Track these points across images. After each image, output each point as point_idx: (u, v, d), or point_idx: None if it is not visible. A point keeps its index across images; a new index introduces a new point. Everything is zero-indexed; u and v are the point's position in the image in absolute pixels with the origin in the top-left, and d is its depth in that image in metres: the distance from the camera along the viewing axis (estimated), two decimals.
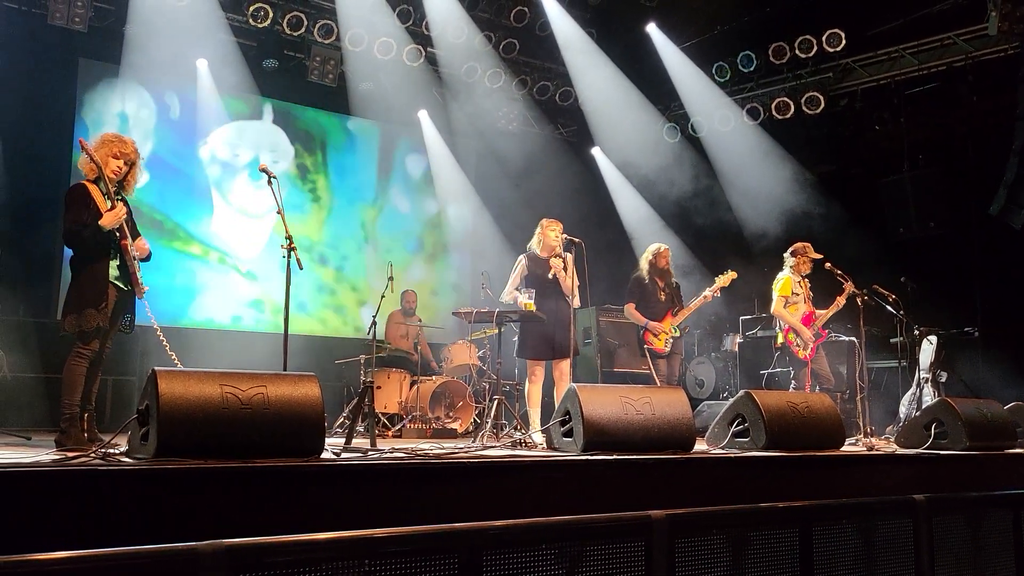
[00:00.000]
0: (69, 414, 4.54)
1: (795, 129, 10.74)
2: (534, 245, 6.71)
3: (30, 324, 8.14)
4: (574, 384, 4.56)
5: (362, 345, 8.60)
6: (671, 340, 7.22)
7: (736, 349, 10.11)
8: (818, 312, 7.43)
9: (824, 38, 10.16)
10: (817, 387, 7.32)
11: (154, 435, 3.25)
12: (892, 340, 8.54)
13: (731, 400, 5.29)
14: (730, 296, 7.75)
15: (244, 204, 10.20)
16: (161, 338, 5.11)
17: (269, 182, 4.99)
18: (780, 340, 7.44)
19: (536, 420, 6.32)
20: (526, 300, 6.29)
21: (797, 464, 4.66)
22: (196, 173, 10.04)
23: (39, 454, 3.83)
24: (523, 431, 5.79)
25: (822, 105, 10.41)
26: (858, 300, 7.14)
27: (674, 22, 10.90)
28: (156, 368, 3.36)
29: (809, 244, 7.59)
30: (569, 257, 6.54)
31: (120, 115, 9.53)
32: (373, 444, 4.96)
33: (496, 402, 6.02)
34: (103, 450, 3.58)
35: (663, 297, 7.30)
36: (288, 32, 9.62)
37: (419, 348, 8.70)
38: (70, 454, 3.76)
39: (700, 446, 4.95)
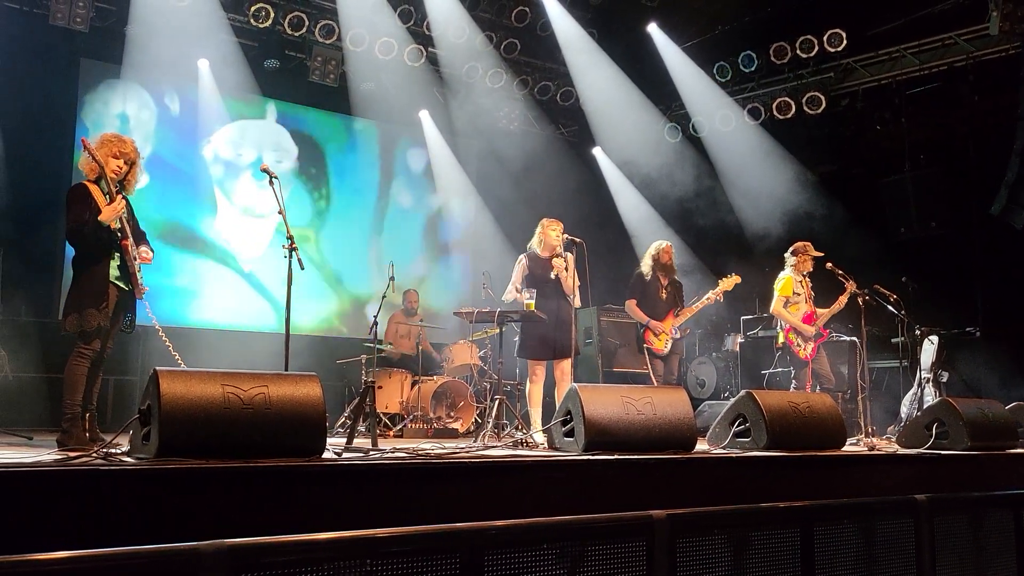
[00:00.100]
0: (71, 414, 4.54)
1: (796, 129, 10.74)
2: (535, 245, 6.71)
3: (32, 324, 8.14)
4: (575, 384, 4.56)
5: (363, 345, 8.60)
6: (671, 341, 7.21)
7: (737, 349, 10.11)
8: (819, 312, 7.43)
9: (825, 38, 10.16)
10: (818, 387, 7.32)
11: (156, 435, 3.26)
12: (893, 340, 8.53)
13: (732, 400, 5.28)
14: (731, 296, 7.74)
15: (247, 204, 10.21)
16: (163, 338, 5.11)
17: (271, 182, 5.00)
18: (781, 340, 7.43)
19: (537, 420, 6.32)
20: (527, 300, 6.29)
21: (798, 464, 4.66)
22: (198, 173, 10.04)
23: (41, 454, 3.84)
24: (524, 431, 5.80)
25: (823, 105, 10.40)
26: (859, 300, 7.14)
27: (675, 22, 10.90)
28: (158, 368, 3.36)
29: (809, 243, 7.58)
30: (570, 257, 6.54)
31: (121, 115, 9.54)
32: (374, 444, 4.96)
33: (497, 402, 6.03)
34: (105, 450, 3.58)
35: (664, 295, 7.29)
36: (289, 32, 9.62)
37: (420, 348, 8.70)
38: (72, 454, 3.76)
39: (701, 446, 4.95)
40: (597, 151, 11.99)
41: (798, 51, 10.36)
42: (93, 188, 4.71)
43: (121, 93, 9.51)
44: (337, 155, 11.02)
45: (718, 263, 10.45)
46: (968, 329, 9.11)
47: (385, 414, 8.09)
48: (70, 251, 4.86)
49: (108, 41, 9.20)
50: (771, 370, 8.70)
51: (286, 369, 4.63)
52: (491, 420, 5.95)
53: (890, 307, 7.65)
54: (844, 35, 10.07)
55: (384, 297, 7.68)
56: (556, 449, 4.64)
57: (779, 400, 5.05)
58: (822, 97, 10.39)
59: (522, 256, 6.73)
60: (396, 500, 3.32)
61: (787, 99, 10.63)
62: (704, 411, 8.33)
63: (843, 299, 7.31)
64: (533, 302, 6.29)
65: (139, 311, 4.99)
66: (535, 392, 6.49)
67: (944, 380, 8.47)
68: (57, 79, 9.11)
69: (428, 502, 3.36)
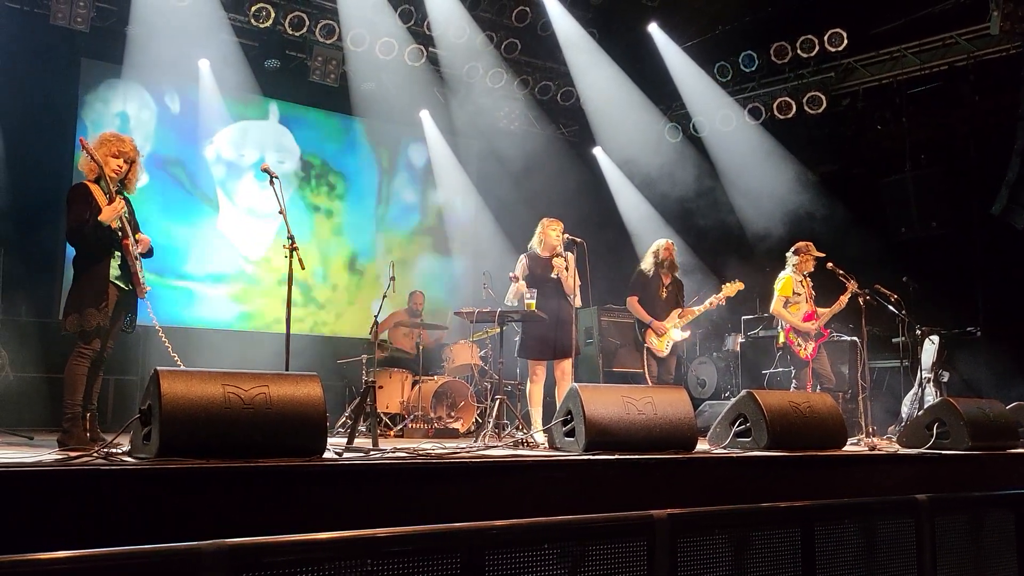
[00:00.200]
0: (71, 414, 4.54)
1: (797, 129, 10.74)
2: (535, 245, 6.71)
3: (32, 324, 8.14)
4: (576, 384, 4.56)
5: (364, 345, 8.60)
6: (672, 343, 7.20)
7: (738, 349, 10.10)
8: (820, 311, 7.42)
9: (826, 38, 10.15)
10: (819, 387, 7.32)
11: (156, 435, 3.26)
12: (894, 340, 8.53)
13: (733, 400, 5.29)
14: (732, 297, 7.74)
15: (250, 204, 10.20)
16: (163, 338, 5.12)
17: (271, 182, 5.00)
18: (782, 340, 7.42)
19: (538, 420, 6.32)
20: (528, 300, 6.29)
21: (799, 464, 4.66)
22: (200, 173, 10.04)
23: (41, 454, 3.84)
24: (525, 431, 5.80)
25: (824, 105, 10.40)
26: (860, 300, 7.14)
27: (676, 22, 10.90)
28: (158, 368, 3.36)
29: (811, 243, 7.57)
30: (571, 256, 6.54)
31: (122, 115, 9.54)
32: (375, 444, 4.96)
33: (498, 402, 6.02)
34: (105, 450, 3.58)
35: (664, 294, 7.26)
36: (290, 32, 9.62)
37: (421, 348, 8.69)
38: (72, 454, 3.77)
39: (702, 446, 4.95)
40: (598, 151, 11.99)
41: (799, 51, 10.36)
42: (94, 188, 4.72)
43: (122, 93, 9.51)
44: (338, 155, 11.03)
45: (718, 263, 10.45)
46: (969, 329, 9.11)
47: (386, 414, 8.09)
48: (71, 251, 4.87)
49: (109, 41, 9.20)
50: (772, 370, 8.71)
51: (287, 369, 4.63)
52: (492, 420, 5.95)
53: (891, 307, 7.65)
54: (845, 35, 10.07)
55: (385, 296, 7.67)
56: (557, 449, 4.64)
57: (780, 400, 5.05)
58: (823, 97, 10.39)
59: (522, 256, 6.73)
60: (397, 500, 3.32)
61: (788, 99, 10.62)
62: (705, 411, 8.33)
63: (844, 299, 7.31)
64: (534, 302, 6.29)
65: (140, 311, 4.99)
66: (536, 392, 6.49)
67: (945, 380, 8.47)
68: (58, 79, 9.11)
69: (429, 502, 3.36)
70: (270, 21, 9.43)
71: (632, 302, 7.24)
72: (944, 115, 9.84)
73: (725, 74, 10.99)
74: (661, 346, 7.13)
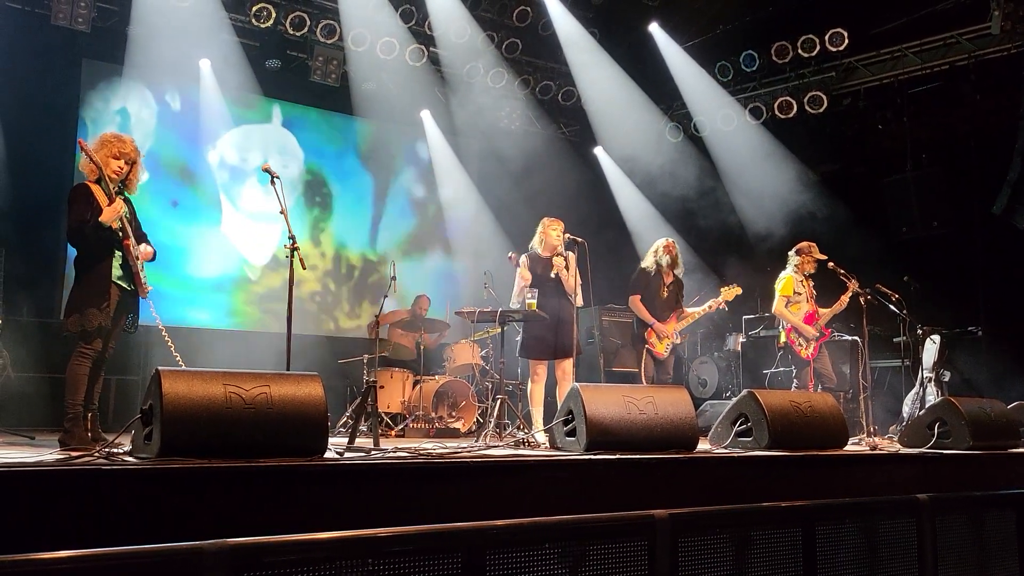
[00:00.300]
0: (72, 414, 4.55)
1: (798, 128, 10.73)
2: (535, 244, 6.71)
3: (34, 324, 8.15)
4: (577, 384, 4.56)
5: (365, 344, 8.60)
6: (671, 345, 7.19)
7: (739, 348, 10.10)
8: (821, 311, 7.42)
9: (827, 37, 10.15)
10: (820, 386, 7.31)
11: (158, 435, 3.26)
12: (895, 339, 8.53)
13: (734, 400, 5.29)
14: (730, 301, 7.75)
15: (253, 208, 10.20)
16: (166, 337, 5.12)
17: (272, 182, 5.01)
18: (783, 340, 7.42)
19: (539, 420, 6.31)
20: (529, 299, 6.29)
21: (800, 464, 4.66)
22: (201, 173, 10.04)
23: (43, 454, 3.84)
24: (526, 431, 5.80)
25: (825, 104, 10.39)
26: (861, 299, 7.14)
27: (676, 22, 10.90)
28: (160, 368, 3.36)
29: (815, 244, 7.55)
30: (571, 256, 6.54)
31: (123, 116, 9.54)
32: (376, 444, 4.97)
33: (499, 402, 6.03)
34: (107, 450, 3.59)
35: (665, 294, 7.23)
36: (291, 32, 9.62)
37: (422, 348, 8.69)
38: (74, 454, 3.77)
39: (703, 445, 4.95)
40: (598, 151, 11.99)
41: (800, 50, 10.35)
42: (95, 188, 4.72)
43: (123, 93, 9.51)
44: (338, 155, 11.03)
45: (719, 263, 10.44)
46: (970, 328, 9.11)
47: (387, 414, 8.09)
48: (72, 251, 4.87)
49: (110, 41, 9.19)
50: (773, 370, 8.70)
51: (288, 369, 4.64)
52: (493, 420, 5.95)
53: (892, 306, 7.65)
54: (846, 34, 10.07)
55: (386, 296, 7.68)
56: (558, 449, 4.64)
57: (781, 400, 5.06)
58: (824, 96, 10.39)
59: (523, 256, 6.73)
60: (398, 500, 3.33)
61: (789, 98, 10.62)
62: (706, 411, 8.33)
63: (845, 298, 7.30)
64: (535, 301, 6.29)
65: (143, 310, 4.99)
66: (537, 392, 6.49)
67: (946, 379, 8.47)
68: (59, 79, 9.11)
69: (430, 502, 3.36)
70: (271, 21, 9.43)
71: (635, 301, 7.21)
72: (945, 115, 9.84)
73: (726, 74, 10.99)
74: (661, 348, 7.11)
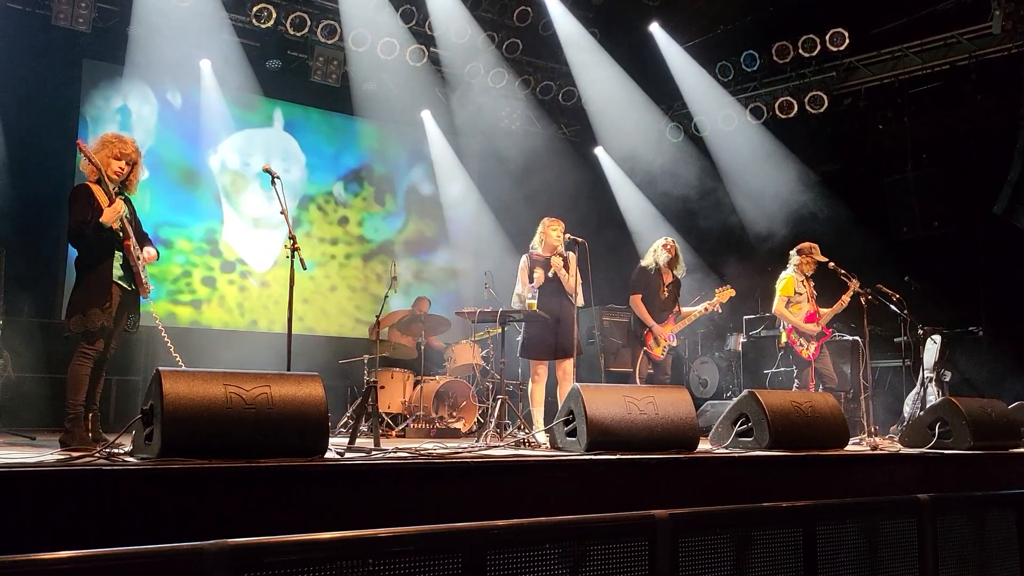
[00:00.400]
0: (73, 414, 4.55)
1: (798, 128, 10.73)
2: (536, 244, 6.71)
3: (35, 324, 8.15)
4: (577, 384, 4.56)
5: (365, 345, 8.60)
6: (668, 348, 7.17)
7: (739, 349, 10.10)
8: (822, 311, 7.41)
9: (827, 37, 10.14)
10: (821, 386, 7.31)
11: (158, 435, 3.26)
12: (896, 339, 8.53)
13: (735, 400, 5.29)
14: (734, 296, 7.74)
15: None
16: (165, 338, 5.12)
17: (273, 183, 5.02)
18: (783, 340, 7.41)
19: (540, 420, 6.30)
20: (529, 299, 6.29)
21: (801, 464, 4.65)
22: (201, 174, 10.04)
23: (44, 454, 3.84)
24: (526, 431, 5.80)
25: (825, 104, 10.39)
26: (862, 299, 7.13)
27: (677, 22, 10.90)
28: (160, 368, 3.37)
29: (816, 245, 7.53)
30: (572, 256, 6.53)
31: (124, 116, 9.54)
32: (377, 444, 4.97)
33: (499, 402, 6.02)
34: (107, 450, 3.59)
35: (665, 295, 7.19)
36: (291, 32, 9.62)
37: (423, 348, 8.69)
38: (74, 454, 3.77)
39: (704, 445, 4.95)
40: (599, 151, 11.99)
41: (800, 50, 10.35)
42: (95, 189, 4.72)
43: (123, 94, 9.52)
44: (339, 155, 11.03)
45: (720, 262, 10.44)
46: (971, 328, 9.10)
47: (387, 414, 8.09)
48: (73, 252, 4.87)
49: (110, 42, 9.20)
50: (773, 370, 8.70)
51: (288, 369, 4.64)
52: (493, 420, 5.95)
53: (893, 306, 7.64)
54: (846, 34, 10.06)
55: (387, 296, 7.68)
56: (558, 449, 4.64)
57: (781, 400, 5.05)
58: (824, 96, 10.38)
59: (524, 256, 6.73)
60: (398, 500, 3.33)
61: (789, 98, 10.62)
62: (706, 411, 8.33)
63: (845, 298, 7.30)
64: (535, 301, 6.29)
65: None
66: (537, 392, 6.48)
67: (947, 379, 8.47)
68: (59, 80, 9.12)
69: (430, 502, 3.37)
70: (271, 21, 9.43)
71: (635, 301, 7.16)
72: (946, 114, 9.84)
73: (727, 74, 10.99)
74: (659, 351, 7.09)
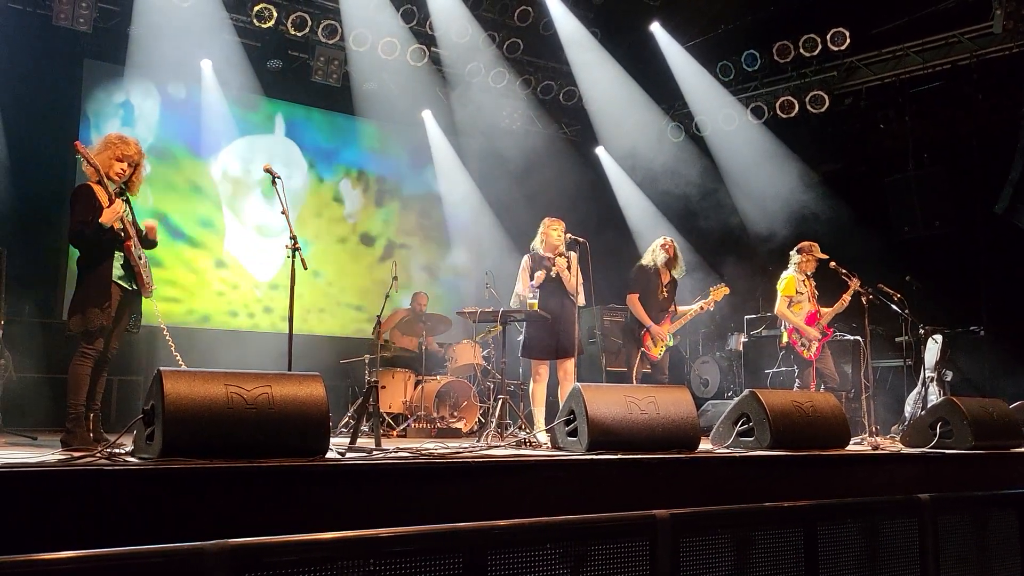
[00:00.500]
0: (75, 414, 4.55)
1: (799, 128, 10.72)
2: (537, 245, 6.70)
3: (36, 325, 8.16)
4: (578, 384, 4.56)
5: (366, 345, 8.60)
6: (665, 348, 7.16)
7: (740, 348, 10.10)
8: (823, 310, 7.40)
9: (828, 37, 10.14)
10: (822, 386, 7.30)
11: (159, 435, 3.27)
12: (897, 339, 8.52)
13: (736, 399, 5.28)
14: (734, 296, 7.74)
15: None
16: (167, 338, 5.13)
17: (274, 183, 5.02)
18: (785, 339, 7.41)
19: (541, 420, 6.30)
20: (530, 299, 6.29)
21: (802, 463, 4.65)
22: (202, 175, 10.04)
23: (45, 454, 3.85)
24: (527, 431, 5.80)
25: (826, 104, 10.39)
26: (863, 299, 7.13)
27: (678, 21, 10.89)
28: (162, 368, 3.37)
29: (816, 244, 7.54)
30: (573, 256, 6.53)
31: (125, 116, 9.55)
32: (378, 444, 4.97)
33: (500, 402, 6.02)
34: (108, 450, 3.59)
35: (663, 295, 7.15)
36: (292, 32, 9.62)
37: (424, 348, 8.70)
38: (76, 454, 3.77)
39: (705, 445, 4.95)
40: (600, 150, 11.99)
41: (801, 50, 10.34)
42: (97, 189, 4.73)
43: (124, 94, 9.52)
44: (339, 155, 11.03)
45: (721, 262, 10.44)
46: (972, 328, 9.10)
47: (388, 414, 8.09)
48: (75, 252, 4.88)
49: (111, 42, 9.20)
50: (774, 369, 8.69)
51: (289, 369, 4.64)
52: (494, 420, 5.95)
53: (894, 306, 7.64)
54: (847, 34, 10.05)
55: (387, 296, 7.68)
56: (559, 449, 4.64)
57: (783, 399, 5.05)
58: (825, 96, 10.38)
59: (525, 257, 6.73)
60: (399, 500, 3.33)
61: (790, 98, 10.62)
62: (707, 410, 8.33)
63: (846, 297, 7.29)
64: (536, 301, 6.29)
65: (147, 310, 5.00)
66: (538, 392, 6.48)
67: (948, 379, 8.46)
68: (61, 79, 9.12)
69: (431, 502, 3.37)
70: (272, 21, 9.43)
71: (633, 300, 7.12)
72: (947, 114, 9.83)
73: (727, 73, 10.98)
74: (657, 352, 7.06)
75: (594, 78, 11.08)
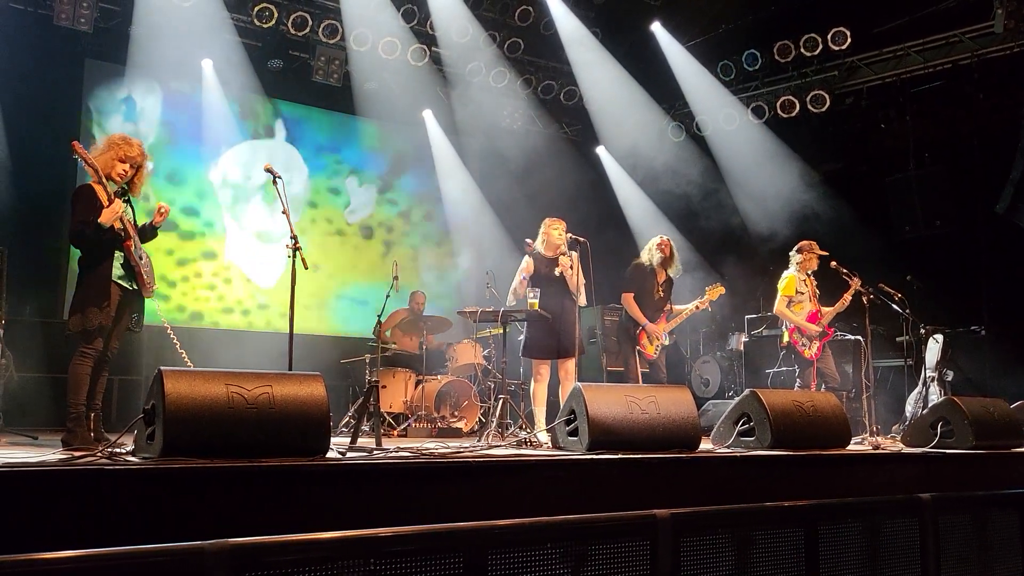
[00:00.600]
0: (75, 414, 4.55)
1: (800, 128, 10.72)
2: (538, 245, 6.69)
3: (37, 324, 8.16)
4: (579, 383, 4.56)
5: (367, 345, 8.60)
6: (661, 347, 7.15)
7: (741, 348, 10.09)
8: (824, 310, 7.40)
9: (829, 36, 10.13)
10: (823, 386, 7.29)
11: (160, 435, 3.27)
12: (898, 339, 8.51)
13: (736, 399, 5.28)
14: (735, 296, 7.74)
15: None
16: (173, 338, 5.13)
17: (275, 182, 5.02)
18: (785, 339, 7.40)
19: (541, 419, 6.30)
20: (531, 299, 6.28)
21: (802, 463, 4.65)
22: (203, 176, 10.04)
23: (46, 454, 3.85)
24: (528, 430, 5.80)
25: (827, 103, 10.38)
26: (864, 298, 7.13)
27: (679, 21, 10.89)
28: (162, 368, 3.37)
29: (815, 242, 7.54)
30: (575, 255, 6.52)
31: (126, 115, 9.55)
32: (378, 443, 4.97)
33: (501, 401, 6.02)
34: (109, 449, 3.59)
35: (659, 294, 7.11)
36: (293, 32, 9.62)
37: (424, 347, 8.70)
38: (76, 453, 3.78)
39: (705, 445, 4.95)
40: (600, 150, 11.98)
41: (802, 49, 10.34)
42: (98, 189, 4.73)
43: (125, 94, 9.52)
44: (340, 155, 11.03)
45: (721, 261, 10.44)
46: (973, 327, 9.09)
47: (389, 413, 8.09)
48: (76, 251, 4.88)
49: (112, 41, 9.21)
50: (775, 369, 8.69)
51: (290, 369, 4.64)
52: (495, 419, 5.95)
53: (895, 306, 7.63)
54: (848, 33, 10.05)
55: (388, 296, 7.69)
56: (560, 448, 4.64)
57: (783, 399, 5.05)
58: (826, 95, 10.38)
59: (527, 256, 6.72)
60: (400, 500, 3.33)
61: (791, 98, 10.61)
62: (708, 410, 8.32)
63: (847, 296, 7.29)
64: (537, 301, 6.28)
65: (149, 310, 5.00)
66: (539, 391, 6.47)
67: (949, 379, 8.46)
68: (62, 79, 9.12)
69: (432, 501, 3.37)
70: (273, 21, 9.43)
71: (628, 299, 7.09)
72: (948, 113, 9.82)
73: (728, 73, 10.98)
74: (652, 350, 7.05)
75: (595, 78, 11.08)
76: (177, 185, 9.83)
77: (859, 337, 7.58)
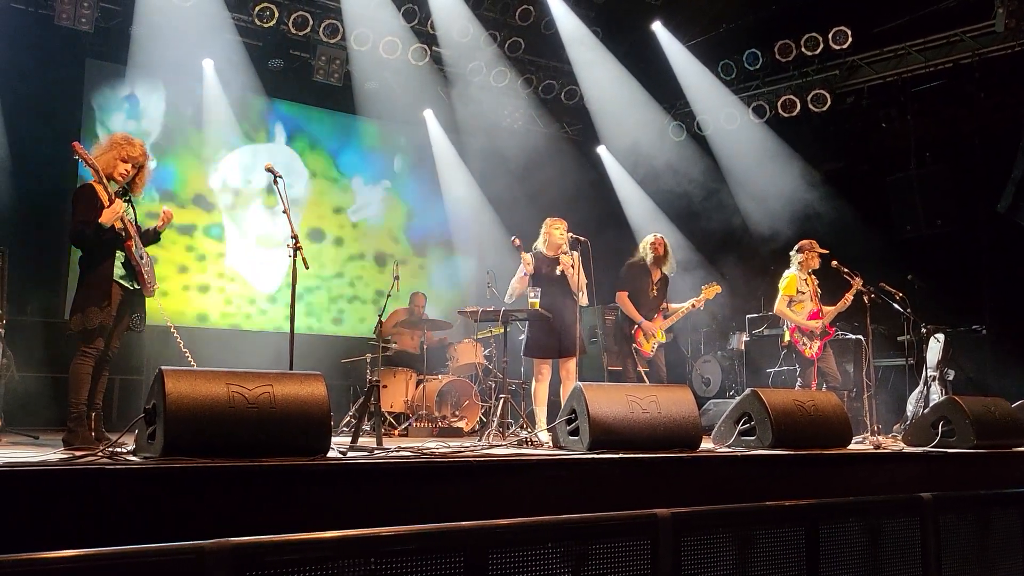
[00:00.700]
0: (76, 413, 4.56)
1: (801, 127, 10.71)
2: (540, 244, 6.70)
3: (38, 324, 8.16)
4: (580, 383, 4.56)
5: (368, 344, 8.60)
6: (658, 345, 7.14)
7: (742, 347, 10.08)
8: (825, 309, 7.40)
9: (830, 35, 10.12)
10: (824, 385, 7.29)
11: (161, 434, 3.27)
12: (899, 338, 8.51)
13: (737, 398, 5.28)
14: (736, 295, 7.73)
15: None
16: (177, 338, 5.13)
17: (275, 182, 5.02)
18: (787, 338, 7.40)
19: (542, 419, 6.30)
20: (532, 299, 6.28)
21: (803, 462, 4.65)
22: (203, 178, 10.04)
23: (47, 453, 3.85)
24: (529, 430, 5.80)
25: (828, 103, 10.37)
26: (865, 298, 7.13)
27: (679, 20, 10.89)
28: (163, 367, 3.37)
29: (815, 241, 7.54)
30: (576, 255, 6.52)
31: (126, 115, 9.55)
32: (379, 443, 4.97)
33: (502, 401, 6.02)
34: (110, 449, 3.60)
35: (653, 293, 7.13)
36: (294, 32, 9.62)
37: (425, 347, 8.69)
38: (77, 453, 3.78)
39: (706, 444, 4.95)
40: (601, 150, 11.98)
41: (803, 49, 10.33)
42: (99, 188, 4.73)
43: (126, 93, 9.53)
44: (341, 155, 11.03)
45: (722, 260, 10.43)
46: (974, 327, 9.08)
47: (390, 413, 8.09)
48: (77, 251, 4.88)
49: (113, 41, 9.21)
50: (776, 368, 8.68)
51: (291, 368, 4.64)
52: (496, 419, 5.95)
53: (896, 305, 7.63)
54: (849, 32, 10.03)
55: (389, 296, 7.69)
56: (561, 448, 4.64)
57: (784, 398, 5.05)
58: (827, 95, 10.36)
59: (528, 255, 6.71)
60: (400, 499, 3.33)
61: (792, 97, 10.60)
62: (709, 409, 8.32)
63: (849, 296, 7.29)
64: (538, 301, 6.28)
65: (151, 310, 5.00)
66: (540, 391, 6.47)
67: (950, 378, 8.45)
68: (63, 79, 9.12)
69: (432, 501, 3.36)
70: (274, 21, 9.43)
71: (622, 297, 7.11)
72: (949, 113, 9.81)
73: (729, 72, 10.97)
74: (648, 347, 7.06)
75: (595, 77, 11.08)
76: (177, 186, 9.83)
77: (860, 336, 7.57)
